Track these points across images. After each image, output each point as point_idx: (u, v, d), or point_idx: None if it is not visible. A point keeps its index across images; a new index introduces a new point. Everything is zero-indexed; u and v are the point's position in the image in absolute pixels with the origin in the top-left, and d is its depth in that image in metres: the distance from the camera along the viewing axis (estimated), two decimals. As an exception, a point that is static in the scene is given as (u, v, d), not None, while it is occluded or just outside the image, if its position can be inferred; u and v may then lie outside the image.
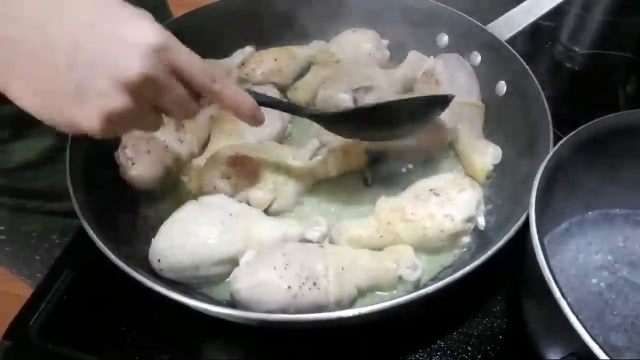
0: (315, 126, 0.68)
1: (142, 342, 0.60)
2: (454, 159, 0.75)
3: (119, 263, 0.53)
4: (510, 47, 0.74)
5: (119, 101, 0.42)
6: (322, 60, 0.85)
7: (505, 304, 0.63)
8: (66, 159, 0.62)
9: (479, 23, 0.78)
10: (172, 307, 0.52)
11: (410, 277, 0.59)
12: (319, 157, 0.70)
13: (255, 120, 0.55)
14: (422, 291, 0.50)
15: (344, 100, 0.75)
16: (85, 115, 0.42)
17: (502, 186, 0.70)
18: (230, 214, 0.60)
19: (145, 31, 0.42)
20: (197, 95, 0.49)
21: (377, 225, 0.63)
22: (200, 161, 0.70)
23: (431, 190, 0.63)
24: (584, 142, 0.56)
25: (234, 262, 0.59)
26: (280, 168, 0.67)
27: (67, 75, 0.41)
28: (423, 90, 0.77)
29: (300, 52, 0.86)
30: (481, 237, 0.64)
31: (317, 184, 0.71)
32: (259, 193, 0.65)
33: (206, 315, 0.53)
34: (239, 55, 0.85)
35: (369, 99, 0.75)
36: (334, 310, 0.55)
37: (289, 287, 0.54)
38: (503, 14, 0.78)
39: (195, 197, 0.64)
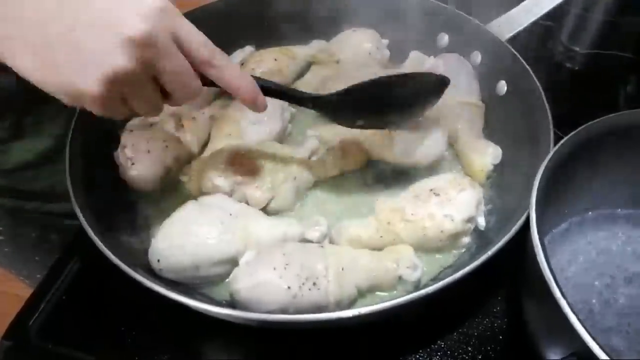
0: (315, 126, 0.68)
1: (142, 342, 0.60)
2: (454, 159, 0.75)
3: (118, 263, 0.53)
4: (510, 47, 0.74)
5: (119, 60, 0.42)
6: (322, 60, 0.85)
7: (506, 304, 0.63)
8: (66, 159, 0.62)
9: (479, 23, 0.78)
10: (172, 307, 0.52)
11: (410, 277, 0.59)
12: (318, 156, 0.70)
13: (257, 105, 0.54)
14: (422, 291, 0.50)
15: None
16: (86, 77, 0.42)
17: (502, 186, 0.70)
18: (230, 214, 0.60)
19: None
20: (200, 74, 0.49)
21: (377, 225, 0.63)
22: (200, 161, 0.70)
23: (431, 190, 0.63)
24: (584, 142, 0.56)
25: (233, 262, 0.59)
26: (279, 167, 0.67)
27: (70, 35, 0.41)
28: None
29: (300, 52, 0.86)
30: (481, 237, 0.64)
31: (317, 184, 0.71)
32: (257, 192, 0.65)
33: (206, 316, 0.53)
34: (239, 55, 0.85)
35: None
36: (334, 310, 0.55)
37: (289, 287, 0.54)
38: (503, 14, 0.78)
39: (195, 197, 0.64)
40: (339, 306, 0.56)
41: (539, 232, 0.47)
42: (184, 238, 0.58)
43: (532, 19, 0.77)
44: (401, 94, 0.63)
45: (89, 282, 0.66)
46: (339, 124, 0.65)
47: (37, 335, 0.61)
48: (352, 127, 0.65)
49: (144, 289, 0.51)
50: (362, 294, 0.59)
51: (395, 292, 0.60)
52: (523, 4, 0.78)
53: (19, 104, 0.70)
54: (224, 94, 0.76)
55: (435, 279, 0.62)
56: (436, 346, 0.60)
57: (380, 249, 0.62)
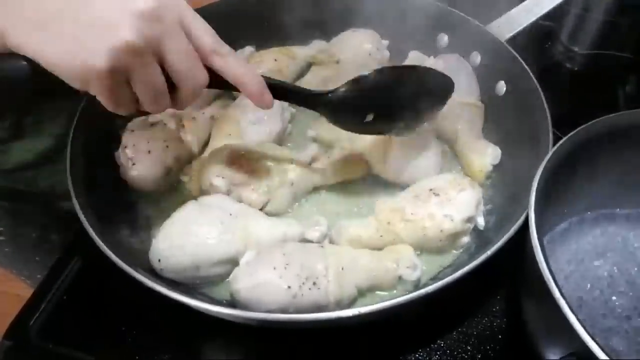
0: (315, 126, 0.67)
1: (142, 342, 0.60)
2: (454, 159, 0.75)
3: (119, 263, 0.53)
4: (510, 48, 0.74)
5: (127, 33, 0.42)
6: (322, 60, 0.85)
7: (505, 303, 0.63)
8: (67, 159, 0.62)
9: (479, 23, 0.78)
10: (173, 307, 0.52)
11: (410, 277, 0.59)
12: (319, 162, 0.70)
13: (263, 100, 0.53)
14: (422, 291, 0.50)
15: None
16: (94, 51, 0.42)
17: (501, 186, 0.70)
18: (230, 214, 0.60)
19: None
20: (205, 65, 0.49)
21: (377, 225, 0.63)
22: (200, 161, 0.70)
23: (431, 190, 0.63)
24: (584, 142, 0.56)
25: (233, 262, 0.59)
26: (277, 171, 0.67)
27: (78, 9, 0.42)
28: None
29: (300, 52, 0.86)
30: (481, 237, 0.64)
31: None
32: (253, 194, 0.65)
33: (206, 315, 0.53)
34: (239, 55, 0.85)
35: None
36: (334, 310, 0.55)
37: (289, 287, 0.54)
38: (503, 14, 0.78)
39: (195, 197, 0.64)
40: (339, 306, 0.56)
41: (538, 232, 0.47)
42: (184, 238, 0.58)
43: (532, 19, 0.77)
44: (406, 88, 0.62)
45: (90, 282, 0.66)
46: (343, 126, 0.63)
47: (38, 335, 0.61)
48: (355, 129, 0.65)
49: (145, 289, 0.51)
50: (362, 293, 0.60)
51: (395, 291, 0.61)
52: (523, 4, 0.78)
53: (21, 99, 0.70)
54: (227, 89, 0.75)
55: (434, 279, 0.62)
56: (436, 345, 0.60)
57: (380, 248, 0.62)
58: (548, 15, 0.78)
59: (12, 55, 0.44)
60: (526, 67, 0.71)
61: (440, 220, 0.61)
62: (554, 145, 0.55)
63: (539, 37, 0.98)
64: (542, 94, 0.67)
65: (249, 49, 0.86)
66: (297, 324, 0.53)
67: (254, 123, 0.73)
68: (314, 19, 0.87)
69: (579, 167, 0.57)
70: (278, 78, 0.79)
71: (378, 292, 0.61)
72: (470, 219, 0.62)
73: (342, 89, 0.59)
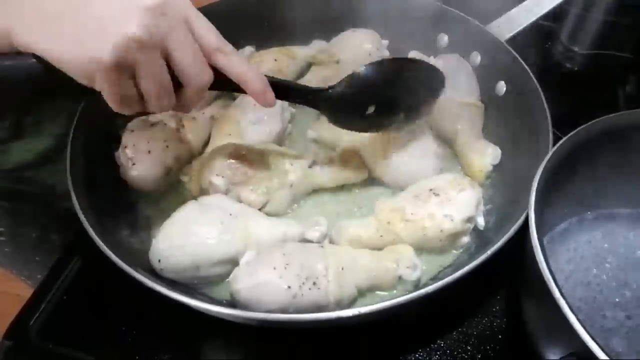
0: (316, 126, 0.67)
1: (143, 342, 0.60)
2: (454, 159, 0.75)
3: (119, 263, 0.53)
4: (510, 48, 0.74)
5: (133, 27, 0.42)
6: (322, 60, 0.85)
7: (505, 303, 0.63)
8: (67, 159, 0.62)
9: (479, 23, 0.78)
10: (173, 307, 0.52)
11: (410, 277, 0.59)
12: (319, 164, 0.69)
13: (266, 98, 0.54)
14: (422, 291, 0.50)
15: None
16: (100, 44, 0.42)
17: (501, 186, 0.70)
18: (230, 214, 0.60)
19: None
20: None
21: (377, 225, 0.63)
22: (200, 161, 0.70)
23: (431, 190, 0.63)
24: (584, 142, 0.56)
25: (233, 262, 0.59)
26: (276, 173, 0.67)
27: (85, 4, 0.43)
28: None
29: (300, 52, 0.86)
30: (481, 237, 0.64)
31: (317, 184, 0.71)
32: (252, 195, 0.65)
33: (206, 315, 0.53)
34: (239, 55, 0.85)
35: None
36: (334, 310, 0.55)
37: (289, 287, 0.54)
38: (503, 14, 0.78)
39: (195, 197, 0.64)
40: (339, 306, 0.56)
41: (538, 232, 0.47)
42: (184, 238, 0.58)
43: (532, 19, 0.77)
44: (403, 79, 0.63)
45: (90, 282, 0.66)
46: (344, 124, 0.64)
47: (38, 335, 0.61)
48: (355, 126, 0.65)
49: (145, 289, 0.51)
50: (362, 293, 0.60)
51: (395, 291, 0.61)
52: (523, 4, 0.78)
53: (21, 99, 0.70)
54: (228, 90, 0.76)
55: (434, 279, 0.62)
56: (436, 345, 0.60)
57: (380, 248, 0.62)
58: (548, 15, 0.78)
59: (18, 54, 0.45)
60: (526, 67, 0.71)
61: (440, 220, 0.61)
62: (554, 145, 0.55)
63: (539, 37, 0.98)
64: (542, 94, 0.67)
65: (249, 49, 0.86)
66: (297, 324, 0.53)
67: (254, 123, 0.73)
68: (314, 19, 0.87)
69: (579, 167, 0.57)
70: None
71: (378, 292, 0.61)
72: (470, 219, 0.62)
73: (342, 83, 0.60)
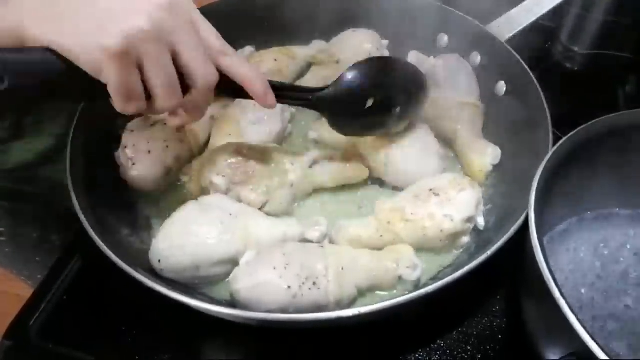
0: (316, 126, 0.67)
1: (142, 342, 0.60)
2: (454, 159, 0.75)
3: (119, 263, 0.53)
4: (510, 48, 0.74)
5: (141, 20, 0.43)
6: (322, 60, 0.85)
7: (505, 303, 0.63)
8: (67, 159, 0.62)
9: (479, 23, 0.78)
10: (173, 307, 0.52)
11: (410, 277, 0.59)
12: (318, 166, 0.69)
13: (267, 100, 0.54)
14: (422, 291, 0.50)
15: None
16: (108, 33, 0.43)
17: (501, 186, 0.70)
18: (230, 214, 0.60)
19: None
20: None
21: (377, 225, 0.63)
22: (200, 161, 0.70)
23: (431, 190, 0.63)
24: (584, 142, 0.56)
25: (233, 262, 0.59)
26: (277, 173, 0.67)
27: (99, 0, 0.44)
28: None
29: (300, 52, 0.86)
30: (480, 237, 0.64)
31: (317, 184, 0.71)
32: (252, 194, 0.65)
33: (206, 315, 0.53)
34: (239, 55, 0.85)
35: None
36: (334, 310, 0.55)
37: (289, 287, 0.54)
38: (503, 14, 0.78)
39: (195, 197, 0.64)
40: (339, 306, 0.56)
41: (538, 232, 0.47)
42: (184, 238, 0.58)
43: (532, 19, 0.77)
44: (390, 76, 0.65)
45: (90, 282, 0.66)
46: (343, 128, 0.65)
47: (38, 335, 0.61)
48: (355, 128, 0.66)
49: (145, 289, 0.51)
50: (362, 293, 0.60)
51: (395, 291, 0.61)
52: (523, 4, 0.78)
53: (21, 99, 0.71)
54: (228, 95, 0.76)
55: (434, 279, 0.62)
56: (436, 345, 0.60)
57: (380, 248, 0.62)
58: (548, 15, 0.78)
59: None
60: (526, 67, 0.71)
61: (440, 220, 0.61)
62: (554, 145, 0.55)
63: (539, 37, 0.98)
64: (542, 94, 0.67)
65: (249, 49, 0.86)
66: (297, 324, 0.53)
67: (254, 123, 0.73)
68: (314, 19, 0.87)
69: (579, 167, 0.57)
70: (278, 78, 0.79)
71: (378, 292, 0.61)
72: (470, 219, 0.62)
73: (339, 80, 0.62)
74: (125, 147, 0.67)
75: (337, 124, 0.65)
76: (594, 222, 0.64)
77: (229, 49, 0.51)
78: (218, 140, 0.72)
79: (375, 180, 0.72)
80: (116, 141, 0.68)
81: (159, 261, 0.58)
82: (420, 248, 0.63)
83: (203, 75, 0.49)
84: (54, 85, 0.46)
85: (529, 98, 0.68)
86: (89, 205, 0.59)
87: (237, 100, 0.76)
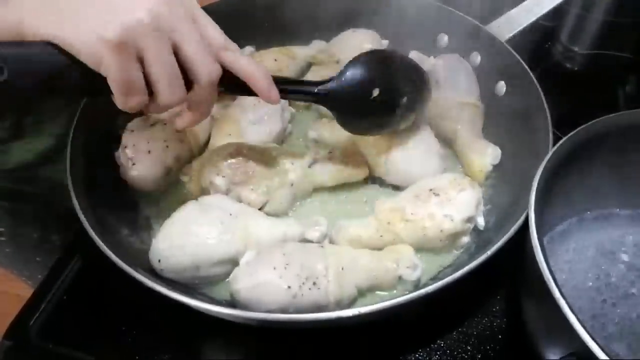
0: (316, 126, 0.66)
1: (142, 342, 0.60)
2: (454, 159, 0.75)
3: (119, 263, 0.53)
4: (509, 48, 0.74)
5: (142, 14, 0.44)
6: (322, 60, 0.85)
7: (505, 303, 0.63)
8: (67, 159, 0.62)
9: (479, 23, 0.78)
10: (173, 307, 0.52)
11: (410, 277, 0.59)
12: (318, 165, 0.69)
13: (270, 95, 0.54)
14: (422, 291, 0.50)
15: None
16: (108, 26, 0.43)
17: (501, 186, 0.70)
18: (230, 214, 0.60)
19: None
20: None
21: (377, 225, 0.63)
22: (200, 161, 0.70)
23: (431, 190, 0.63)
24: (584, 142, 0.56)
25: (233, 262, 0.59)
26: (276, 172, 0.67)
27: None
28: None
29: (300, 52, 0.86)
30: (480, 237, 0.64)
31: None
32: (252, 194, 0.65)
33: (206, 315, 0.53)
34: (239, 55, 0.85)
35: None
36: (334, 310, 0.55)
37: (289, 287, 0.54)
38: (503, 14, 0.78)
39: (195, 197, 0.64)
40: (339, 306, 0.56)
41: (538, 232, 0.47)
42: (184, 238, 0.58)
43: (532, 19, 0.77)
44: (396, 67, 0.65)
45: (90, 282, 0.66)
46: (349, 124, 0.64)
47: (38, 335, 0.61)
48: (360, 124, 0.65)
49: (145, 289, 0.51)
50: (362, 293, 0.60)
51: (395, 291, 0.61)
52: (523, 4, 0.79)
53: (21, 99, 0.71)
54: (231, 92, 0.76)
55: (434, 279, 0.62)
56: (436, 345, 0.60)
57: (380, 248, 0.62)
58: (548, 15, 0.78)
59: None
60: (526, 67, 0.71)
61: (440, 220, 0.61)
62: (554, 145, 0.55)
63: (539, 37, 0.98)
64: (542, 94, 0.67)
65: (249, 49, 0.86)
66: (297, 324, 0.53)
67: (254, 123, 0.73)
68: (314, 19, 0.87)
69: (579, 167, 0.57)
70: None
71: (378, 292, 0.61)
72: (470, 219, 0.62)
73: (343, 71, 0.61)
74: (125, 147, 0.67)
75: (344, 118, 0.63)
76: (594, 222, 0.64)
77: (231, 44, 0.52)
78: (218, 140, 0.72)
79: (376, 179, 0.72)
80: (116, 141, 0.68)
81: (159, 261, 0.58)
82: (420, 248, 0.63)
83: (206, 70, 0.48)
84: (54, 79, 0.46)
85: (528, 98, 0.68)
86: (89, 205, 0.59)
87: (237, 100, 0.76)
